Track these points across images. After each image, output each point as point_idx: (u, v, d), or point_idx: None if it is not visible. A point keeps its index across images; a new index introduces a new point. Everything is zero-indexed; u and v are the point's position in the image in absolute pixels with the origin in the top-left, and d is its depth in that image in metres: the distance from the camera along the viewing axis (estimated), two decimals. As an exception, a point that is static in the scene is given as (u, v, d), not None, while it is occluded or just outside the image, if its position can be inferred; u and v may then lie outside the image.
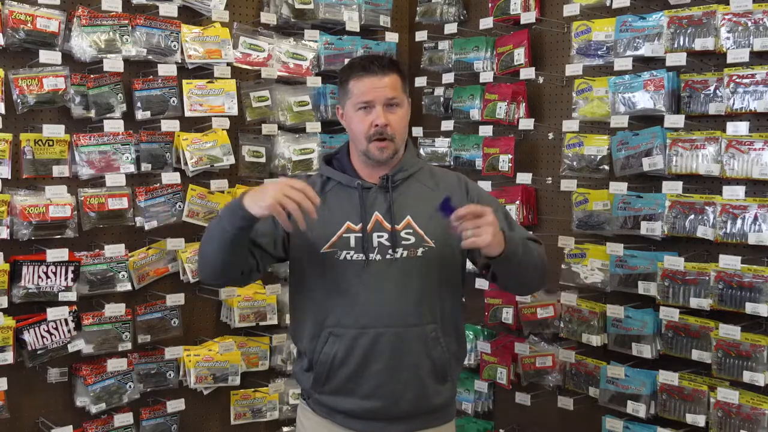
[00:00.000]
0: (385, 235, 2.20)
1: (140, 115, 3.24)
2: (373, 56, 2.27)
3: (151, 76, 3.26)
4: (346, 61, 3.64)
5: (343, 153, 2.34)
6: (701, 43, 2.86)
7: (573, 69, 3.27)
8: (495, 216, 2.01)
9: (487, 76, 3.63)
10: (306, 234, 2.19)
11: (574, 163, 3.29)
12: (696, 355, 2.92)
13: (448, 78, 3.80)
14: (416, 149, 2.42)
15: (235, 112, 3.40)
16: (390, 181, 2.24)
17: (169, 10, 3.26)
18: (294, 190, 1.97)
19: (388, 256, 2.19)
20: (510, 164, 3.52)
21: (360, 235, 2.19)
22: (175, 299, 3.39)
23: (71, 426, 3.18)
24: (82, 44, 3.05)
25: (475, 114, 3.68)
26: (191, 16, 3.41)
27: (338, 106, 2.32)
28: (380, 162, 2.22)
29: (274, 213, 1.97)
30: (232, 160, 3.41)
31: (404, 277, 2.19)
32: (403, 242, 2.20)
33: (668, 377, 2.99)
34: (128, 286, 3.24)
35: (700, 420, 2.91)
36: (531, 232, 2.47)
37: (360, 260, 2.19)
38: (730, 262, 2.80)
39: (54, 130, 3.04)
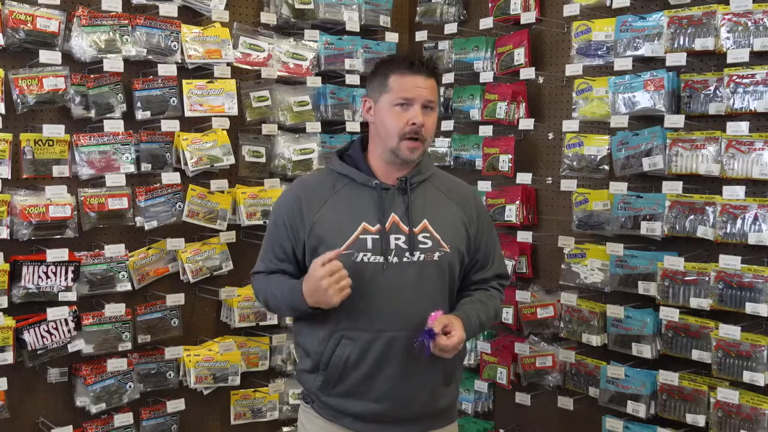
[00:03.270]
0: (403, 238, 2.16)
1: (140, 115, 3.24)
2: (419, 56, 2.26)
3: (151, 76, 3.26)
4: (346, 61, 3.70)
5: (357, 150, 2.28)
6: (701, 43, 2.86)
7: (573, 69, 3.27)
8: (462, 329, 2.12)
9: (487, 76, 3.63)
10: (321, 235, 2.17)
11: (574, 163, 3.29)
12: (696, 355, 2.92)
13: (448, 78, 3.79)
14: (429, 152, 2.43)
15: (235, 112, 3.40)
16: (408, 183, 2.21)
17: (169, 10, 3.26)
18: (339, 275, 2.03)
19: (405, 259, 2.16)
20: (510, 164, 3.52)
21: (377, 236, 2.15)
22: (175, 299, 3.39)
23: (71, 426, 3.18)
24: (82, 44, 3.04)
25: (475, 114, 3.68)
26: (191, 16, 3.41)
27: (367, 98, 2.26)
28: (407, 162, 2.19)
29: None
30: (232, 160, 3.41)
31: (420, 281, 2.17)
32: (421, 246, 2.17)
33: (668, 377, 2.99)
34: (128, 286, 3.24)
35: (700, 420, 2.91)
36: (506, 266, 2.51)
37: (378, 262, 2.14)
38: (730, 262, 2.80)
39: (54, 130, 3.03)
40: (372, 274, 2.14)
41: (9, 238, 2.95)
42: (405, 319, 2.13)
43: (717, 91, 2.87)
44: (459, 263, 2.26)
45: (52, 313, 3.03)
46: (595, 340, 3.23)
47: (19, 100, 2.97)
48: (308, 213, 2.19)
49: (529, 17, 3.46)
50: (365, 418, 2.19)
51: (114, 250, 3.20)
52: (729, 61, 2.79)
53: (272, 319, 3.57)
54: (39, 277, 3.01)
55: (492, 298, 2.34)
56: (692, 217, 2.91)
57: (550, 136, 3.52)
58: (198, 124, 3.41)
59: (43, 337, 3.04)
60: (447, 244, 2.20)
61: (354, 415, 2.20)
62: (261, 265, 2.31)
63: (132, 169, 3.21)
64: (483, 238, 2.32)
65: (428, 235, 2.18)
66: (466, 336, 2.14)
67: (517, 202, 3.50)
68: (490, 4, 3.63)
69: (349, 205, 2.19)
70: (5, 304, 2.94)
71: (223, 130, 3.41)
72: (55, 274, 3.04)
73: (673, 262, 2.96)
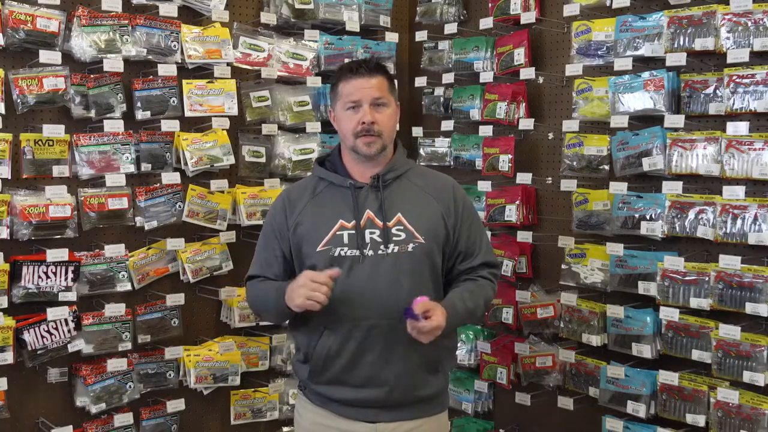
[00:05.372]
0: (377, 232, 2.29)
1: (140, 115, 3.24)
2: (361, 60, 2.42)
3: (151, 76, 3.26)
4: (346, 61, 3.70)
5: (336, 155, 2.44)
6: (701, 43, 2.86)
7: (573, 69, 3.27)
8: (443, 316, 2.19)
9: (487, 76, 3.63)
10: (302, 233, 2.33)
11: (574, 163, 3.29)
12: (696, 355, 2.92)
13: (448, 78, 3.79)
14: (406, 150, 2.51)
15: (235, 112, 3.40)
16: (381, 181, 2.33)
17: (169, 10, 3.26)
18: (317, 285, 2.14)
19: (380, 252, 2.28)
20: (510, 164, 3.52)
21: (353, 232, 2.29)
22: (175, 299, 3.39)
23: (71, 426, 3.18)
24: (82, 44, 3.04)
25: (475, 114, 3.68)
26: (191, 16, 3.41)
27: (330, 109, 2.44)
28: (368, 157, 2.32)
29: (306, 308, 2.18)
30: (232, 160, 3.41)
31: (396, 272, 2.28)
32: (394, 238, 2.29)
33: (668, 377, 2.99)
34: (128, 286, 3.24)
35: (700, 420, 2.91)
36: (494, 252, 2.57)
37: (354, 255, 2.28)
38: (730, 262, 2.80)
39: (54, 130, 3.04)
40: (349, 266, 2.27)
41: (9, 238, 2.95)
42: (382, 309, 2.25)
43: (717, 91, 2.87)
44: (440, 254, 2.36)
45: (52, 313, 3.03)
46: (595, 340, 3.23)
47: (19, 100, 2.97)
48: (291, 215, 2.36)
49: (529, 17, 3.46)
50: (350, 404, 2.32)
51: (114, 250, 3.20)
52: (729, 61, 2.79)
53: (272, 319, 3.58)
54: (39, 277, 3.01)
55: (481, 287, 2.41)
56: (692, 217, 2.91)
57: (550, 136, 3.52)
58: (198, 124, 3.41)
59: (43, 337, 3.04)
60: (421, 235, 2.31)
61: (340, 401, 2.33)
62: (254, 269, 2.46)
63: (132, 169, 3.21)
64: (464, 228, 2.40)
65: (402, 227, 2.30)
66: (450, 325, 2.24)
67: (517, 202, 3.50)
68: (490, 4, 3.63)
69: (328, 205, 2.34)
70: (5, 304, 2.94)
71: (223, 130, 3.41)
72: (55, 274, 3.04)
73: (673, 262, 2.96)
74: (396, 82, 2.52)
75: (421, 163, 3.83)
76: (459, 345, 3.72)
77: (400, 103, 2.46)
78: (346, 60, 3.71)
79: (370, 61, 2.37)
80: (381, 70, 2.34)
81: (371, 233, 2.28)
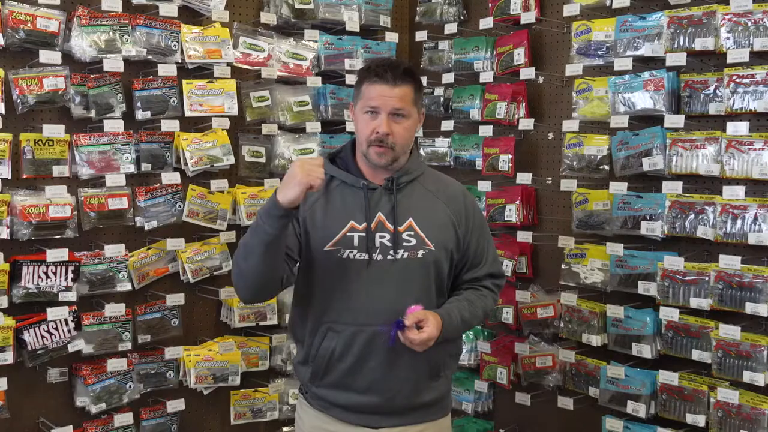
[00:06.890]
0: (387, 236, 2.24)
1: (140, 115, 3.24)
2: (391, 63, 2.25)
3: (151, 76, 3.26)
4: (346, 61, 3.71)
5: (348, 152, 2.36)
6: (701, 43, 2.86)
7: (573, 69, 3.27)
8: (436, 327, 2.15)
9: (487, 76, 3.63)
10: (311, 231, 2.26)
11: (574, 163, 3.29)
12: (696, 355, 2.92)
13: (448, 78, 3.80)
14: (419, 152, 2.46)
15: (235, 112, 3.40)
16: (395, 183, 2.27)
17: (169, 10, 3.26)
18: (313, 167, 2.04)
19: (389, 257, 2.23)
20: (510, 164, 3.52)
21: (363, 234, 2.23)
22: (175, 299, 3.39)
23: (71, 426, 3.18)
24: (82, 44, 3.04)
25: (475, 114, 3.68)
26: (191, 16, 3.41)
27: (351, 104, 2.35)
28: (378, 166, 2.25)
29: (306, 186, 2.02)
30: (232, 160, 3.41)
31: (404, 278, 2.24)
32: (405, 244, 2.24)
33: (668, 377, 2.99)
34: (128, 286, 3.24)
35: (700, 420, 2.91)
36: (500, 262, 2.50)
37: (362, 259, 2.23)
38: (730, 262, 2.80)
39: (54, 130, 3.03)
40: (357, 270, 2.23)
41: (9, 238, 2.95)
42: (388, 315, 2.19)
43: (717, 91, 2.87)
44: (447, 262, 2.32)
45: (52, 313, 3.03)
46: (595, 340, 3.23)
47: (19, 100, 2.97)
48: (302, 204, 2.17)
49: (529, 17, 3.46)
50: (352, 409, 2.28)
51: (114, 250, 3.20)
52: (729, 61, 2.79)
53: (272, 319, 3.57)
54: (39, 277, 3.01)
55: (482, 297, 2.38)
56: (692, 217, 2.91)
57: (550, 136, 3.52)
58: (198, 124, 3.41)
59: (43, 337, 3.03)
60: (432, 242, 2.26)
61: (342, 406, 2.29)
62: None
63: (132, 169, 3.21)
64: (473, 237, 2.36)
65: (413, 233, 2.25)
66: (445, 334, 2.21)
67: (517, 202, 3.50)
68: (490, 4, 3.63)
69: (339, 204, 2.27)
70: (5, 304, 2.94)
71: (223, 130, 3.41)
72: (55, 274, 3.04)
73: (673, 262, 2.96)
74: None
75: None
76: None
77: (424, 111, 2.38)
78: (347, 60, 3.72)
79: (398, 67, 2.23)
80: (408, 79, 2.22)
81: (381, 237, 2.23)
